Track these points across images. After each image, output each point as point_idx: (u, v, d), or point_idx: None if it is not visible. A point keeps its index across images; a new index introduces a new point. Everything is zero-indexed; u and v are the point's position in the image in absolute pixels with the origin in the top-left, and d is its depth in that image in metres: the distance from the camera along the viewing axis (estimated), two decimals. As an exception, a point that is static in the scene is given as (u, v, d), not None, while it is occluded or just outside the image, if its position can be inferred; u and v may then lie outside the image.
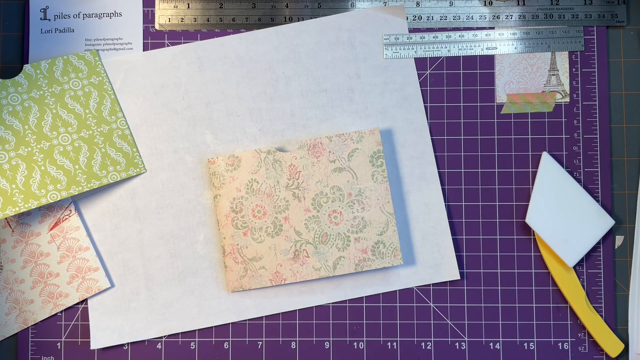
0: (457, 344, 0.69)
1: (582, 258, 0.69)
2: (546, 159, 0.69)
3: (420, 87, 0.71)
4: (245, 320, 0.69)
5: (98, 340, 0.69)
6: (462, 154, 0.71)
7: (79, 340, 0.70)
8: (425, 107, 0.71)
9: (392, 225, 0.67)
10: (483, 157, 0.70)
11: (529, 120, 0.71)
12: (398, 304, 0.70)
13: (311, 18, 0.71)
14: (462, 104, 0.71)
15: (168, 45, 0.71)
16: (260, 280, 0.68)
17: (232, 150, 0.70)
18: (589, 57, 0.71)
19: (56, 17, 0.71)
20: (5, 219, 0.69)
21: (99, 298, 0.69)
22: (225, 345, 0.70)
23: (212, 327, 0.69)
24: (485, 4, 0.72)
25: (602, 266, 0.69)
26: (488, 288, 0.70)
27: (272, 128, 0.70)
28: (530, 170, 0.70)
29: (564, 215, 0.68)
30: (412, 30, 0.71)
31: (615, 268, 0.70)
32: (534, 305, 0.69)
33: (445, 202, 0.70)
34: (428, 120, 0.71)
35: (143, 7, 0.72)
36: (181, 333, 0.69)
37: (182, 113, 0.70)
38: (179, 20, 0.72)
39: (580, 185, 0.69)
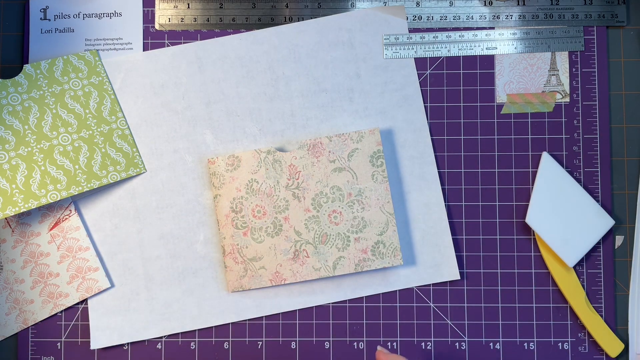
0: (457, 344, 0.69)
1: (582, 258, 0.69)
2: (546, 159, 0.69)
3: (420, 87, 0.71)
4: (245, 320, 0.69)
5: (98, 340, 0.69)
6: (462, 154, 0.70)
7: (79, 340, 0.70)
8: (425, 107, 0.71)
9: (392, 226, 0.67)
10: (483, 157, 0.70)
11: (529, 120, 0.71)
12: (398, 304, 0.70)
13: (311, 18, 0.71)
14: (462, 104, 0.71)
15: (168, 45, 0.71)
16: (260, 280, 0.68)
17: (232, 150, 0.70)
18: (589, 57, 0.71)
19: (56, 17, 0.71)
20: (5, 219, 0.69)
21: (99, 298, 0.69)
22: (225, 345, 0.70)
23: (212, 327, 0.69)
24: (485, 4, 0.72)
25: (602, 266, 0.69)
26: (488, 288, 0.70)
27: (272, 128, 0.70)
28: (530, 170, 0.70)
29: (564, 215, 0.68)
30: (412, 30, 0.71)
31: (615, 268, 0.70)
32: (534, 305, 0.69)
33: (445, 202, 0.70)
34: (428, 120, 0.71)
35: (143, 7, 0.72)
36: (181, 333, 0.69)
37: (182, 113, 0.70)
38: (179, 20, 0.72)
39: (580, 185, 0.69)
